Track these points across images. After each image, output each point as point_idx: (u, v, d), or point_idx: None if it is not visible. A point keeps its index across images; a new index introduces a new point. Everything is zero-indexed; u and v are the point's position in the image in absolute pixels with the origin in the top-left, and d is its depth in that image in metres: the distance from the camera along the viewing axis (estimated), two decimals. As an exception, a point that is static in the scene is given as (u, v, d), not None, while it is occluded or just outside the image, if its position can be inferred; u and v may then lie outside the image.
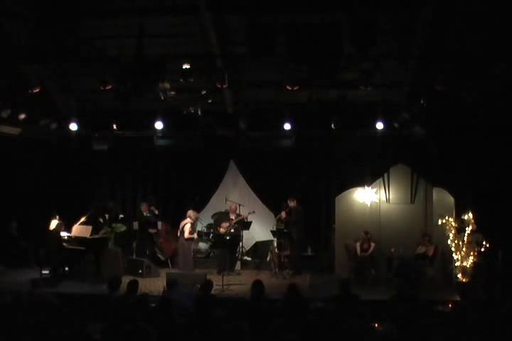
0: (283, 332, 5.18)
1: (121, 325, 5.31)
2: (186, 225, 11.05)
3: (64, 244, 10.52)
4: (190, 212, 11.24)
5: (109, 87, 9.16)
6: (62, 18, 9.04)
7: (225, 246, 11.21)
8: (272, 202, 12.37)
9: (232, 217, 11.81)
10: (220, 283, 9.38)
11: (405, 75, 10.28)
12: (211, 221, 12.56)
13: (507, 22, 7.66)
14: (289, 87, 9.03)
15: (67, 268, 10.61)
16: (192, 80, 9.00)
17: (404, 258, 10.21)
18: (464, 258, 9.51)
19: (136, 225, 11.92)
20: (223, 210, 12.28)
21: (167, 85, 9.35)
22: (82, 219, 10.87)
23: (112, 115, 11.26)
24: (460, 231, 9.67)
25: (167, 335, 5.23)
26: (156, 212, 12.25)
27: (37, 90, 9.48)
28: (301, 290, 6.94)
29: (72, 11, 9.01)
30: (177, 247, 11.41)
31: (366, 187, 11.25)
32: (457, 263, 9.63)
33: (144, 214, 12.12)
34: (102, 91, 9.35)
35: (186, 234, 11.00)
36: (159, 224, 12.15)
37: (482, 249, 9.33)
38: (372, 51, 8.24)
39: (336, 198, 11.39)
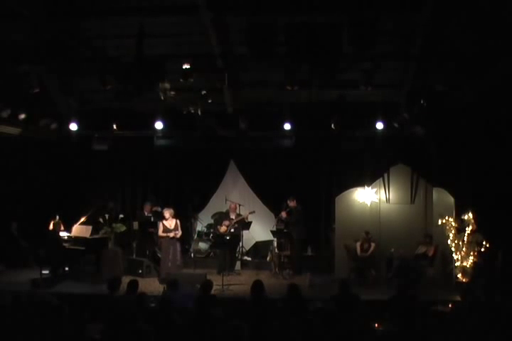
0: (283, 332, 5.18)
1: (121, 325, 5.31)
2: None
3: (64, 244, 10.53)
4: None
5: (109, 87, 9.16)
6: (62, 18, 9.02)
7: (225, 246, 11.22)
8: (272, 202, 12.38)
9: (233, 216, 11.80)
10: (220, 283, 9.39)
11: (405, 75, 10.28)
12: (211, 221, 12.56)
13: (507, 21, 7.65)
14: (289, 87, 9.02)
15: (67, 268, 10.61)
16: (192, 80, 9.00)
17: (404, 258, 10.22)
18: (464, 258, 9.52)
19: (136, 225, 11.92)
20: (223, 210, 12.26)
21: (167, 85, 9.34)
22: (82, 219, 10.87)
23: (112, 115, 11.27)
24: (460, 231, 9.68)
25: (167, 335, 5.24)
26: (160, 209, 12.26)
27: (37, 90, 9.47)
28: (301, 290, 6.93)
29: (71, 10, 9.00)
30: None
31: (366, 187, 11.25)
32: (457, 263, 9.63)
33: (146, 214, 12.13)
34: (102, 91, 9.36)
35: (159, 233, 10.73)
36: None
37: (482, 249, 9.33)
38: (372, 51, 8.24)
39: (336, 198, 11.39)
